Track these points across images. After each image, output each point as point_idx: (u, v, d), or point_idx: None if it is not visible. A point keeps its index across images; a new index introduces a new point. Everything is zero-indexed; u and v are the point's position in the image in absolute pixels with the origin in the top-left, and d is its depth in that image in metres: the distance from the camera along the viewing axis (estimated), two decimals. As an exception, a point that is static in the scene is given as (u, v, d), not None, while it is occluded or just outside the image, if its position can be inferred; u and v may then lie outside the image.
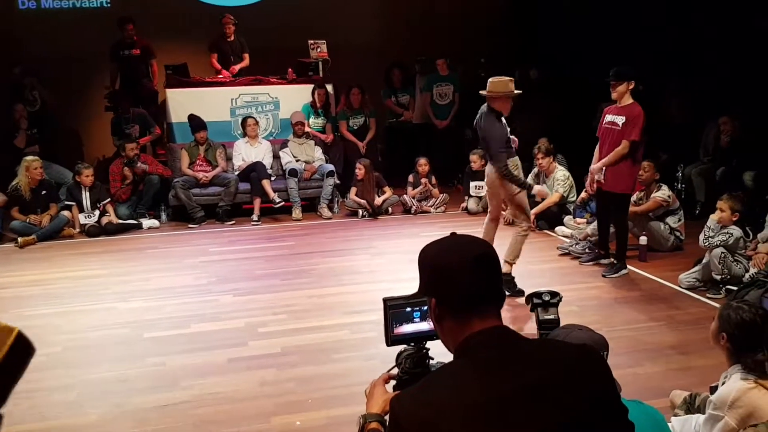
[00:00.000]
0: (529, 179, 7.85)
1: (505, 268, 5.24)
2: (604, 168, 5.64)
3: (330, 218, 8.27)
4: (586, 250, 6.28)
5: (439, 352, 2.12)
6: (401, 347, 2.10)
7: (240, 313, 5.13)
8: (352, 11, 10.80)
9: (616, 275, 5.78)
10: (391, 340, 2.01)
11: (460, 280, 1.38)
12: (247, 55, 9.33)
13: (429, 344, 2.06)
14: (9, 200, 7.51)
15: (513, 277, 5.31)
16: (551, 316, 2.30)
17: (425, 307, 2.01)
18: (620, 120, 5.52)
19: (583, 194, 7.13)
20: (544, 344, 1.55)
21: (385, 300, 2.01)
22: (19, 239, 7.16)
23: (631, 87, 5.51)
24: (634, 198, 6.46)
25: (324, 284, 5.78)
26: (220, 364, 4.27)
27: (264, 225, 8.05)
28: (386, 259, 6.49)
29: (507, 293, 4.98)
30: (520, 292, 5.11)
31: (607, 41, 9.08)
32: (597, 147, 5.82)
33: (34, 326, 4.93)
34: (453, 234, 1.50)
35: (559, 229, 7.25)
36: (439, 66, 9.65)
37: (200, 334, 4.76)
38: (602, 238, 6.06)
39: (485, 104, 5.33)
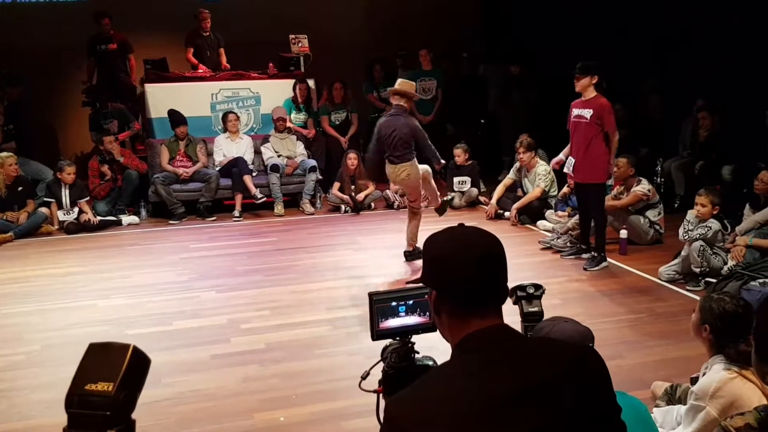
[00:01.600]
0: (511, 174, 7.92)
1: (410, 248, 5.95)
2: (572, 160, 5.83)
3: (312, 214, 8.25)
4: (568, 244, 6.33)
5: (424, 346, 2.13)
6: (386, 342, 2.10)
7: (222, 310, 5.09)
8: (334, 5, 10.76)
9: (596, 268, 5.83)
10: (377, 334, 2.01)
11: (462, 276, 1.35)
12: (222, 50, 9.24)
13: (414, 338, 2.06)
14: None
15: (415, 249, 5.89)
16: (535, 309, 2.31)
17: (410, 302, 2.01)
18: (587, 113, 5.67)
19: (564, 189, 7.18)
20: (544, 344, 1.54)
21: (370, 294, 2.00)
22: (-4, 236, 7.05)
23: (594, 81, 5.64)
24: (614, 192, 6.53)
25: (307, 280, 5.76)
26: (202, 361, 4.23)
27: (246, 221, 8.00)
28: (369, 254, 6.49)
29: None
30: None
31: (584, 37, 9.13)
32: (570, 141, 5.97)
33: (12, 324, 4.87)
34: (461, 225, 1.46)
35: (540, 223, 7.30)
36: (422, 57, 9.61)
37: (182, 331, 4.72)
38: (584, 232, 6.11)
39: (394, 108, 5.71)
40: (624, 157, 6.38)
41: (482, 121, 10.19)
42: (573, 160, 5.86)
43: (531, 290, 2.39)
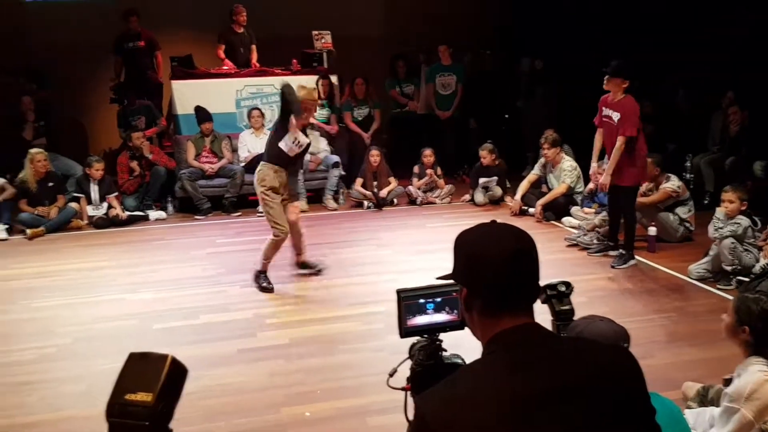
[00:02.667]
0: (536, 170, 7.85)
1: (259, 266, 5.47)
2: (605, 159, 5.72)
3: (335, 209, 8.26)
4: (595, 241, 6.26)
5: (450, 344, 2.12)
6: (414, 339, 2.09)
7: (248, 304, 5.13)
8: (356, 1, 10.74)
9: (624, 266, 5.76)
10: (405, 332, 2.00)
11: (494, 273, 1.34)
12: (254, 47, 9.27)
13: (442, 336, 2.05)
14: (17, 192, 7.52)
15: (263, 273, 5.47)
16: (567, 307, 2.28)
17: (439, 299, 2.00)
18: (615, 115, 5.60)
19: (590, 185, 7.09)
20: (576, 343, 1.52)
21: (398, 291, 1.99)
22: (28, 231, 7.18)
23: (625, 85, 5.55)
24: (643, 189, 6.44)
25: (331, 275, 5.77)
26: (229, 355, 4.27)
27: (270, 216, 8.02)
28: (392, 250, 6.48)
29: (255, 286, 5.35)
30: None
31: (611, 30, 9.02)
32: (596, 136, 5.88)
33: (43, 317, 4.96)
34: (493, 222, 1.45)
35: (566, 219, 7.23)
36: (442, 53, 9.56)
37: (209, 325, 4.77)
38: (612, 230, 6.04)
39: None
40: (649, 156, 6.28)
41: (506, 116, 10.12)
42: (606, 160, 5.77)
43: (562, 288, 2.36)
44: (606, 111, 5.70)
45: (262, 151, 8.29)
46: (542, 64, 9.65)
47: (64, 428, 3.49)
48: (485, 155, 8.24)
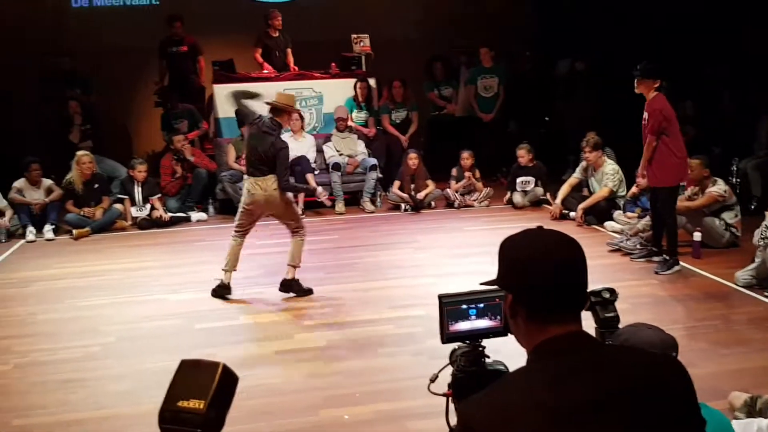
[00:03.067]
0: (577, 173, 7.74)
1: (289, 273, 5.37)
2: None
3: (373, 212, 8.28)
4: (638, 247, 6.14)
5: (493, 350, 2.10)
6: (455, 345, 2.08)
7: (286, 306, 5.19)
8: (395, 4, 10.75)
9: (668, 272, 5.64)
10: (446, 337, 1.99)
11: (540, 280, 1.33)
12: (290, 51, 9.37)
13: (484, 342, 2.04)
14: (64, 194, 7.74)
15: (297, 280, 5.39)
16: (611, 314, 2.24)
17: (481, 305, 1.98)
18: (646, 115, 5.56)
19: (633, 189, 6.97)
20: (625, 352, 1.49)
21: (440, 297, 1.98)
22: (74, 231, 7.37)
23: (656, 85, 5.51)
24: (688, 193, 6.30)
25: (368, 278, 5.79)
26: (267, 356, 4.32)
27: (307, 219, 8.05)
28: (430, 253, 6.46)
29: (292, 295, 5.28)
30: (308, 291, 5.37)
31: (652, 30, 8.84)
32: None
33: (89, 316, 5.09)
34: (539, 228, 1.43)
35: (608, 224, 7.11)
36: (483, 55, 9.52)
37: (248, 326, 4.84)
38: (656, 235, 5.92)
39: (267, 117, 5.22)
40: (697, 158, 6.15)
41: (546, 118, 10.00)
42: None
43: (606, 295, 2.32)
44: (644, 114, 5.64)
45: (301, 153, 8.47)
46: (584, 66, 9.52)
47: (108, 426, 3.58)
48: (523, 154, 8.17)
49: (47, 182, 7.84)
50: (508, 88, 9.51)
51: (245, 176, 5.42)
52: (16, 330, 4.88)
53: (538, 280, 1.33)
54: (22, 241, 7.30)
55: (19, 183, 7.70)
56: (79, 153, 7.83)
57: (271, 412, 3.60)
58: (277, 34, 9.24)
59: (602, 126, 8.06)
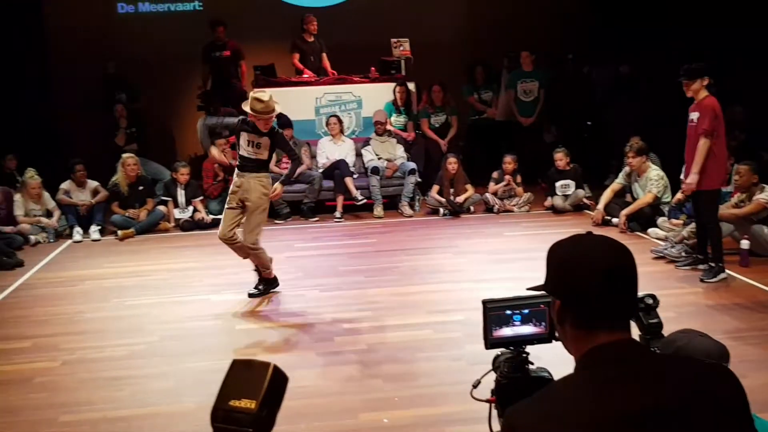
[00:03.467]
0: (620, 178, 7.61)
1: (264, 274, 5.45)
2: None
3: (411, 216, 8.28)
4: (683, 254, 6.00)
5: (534, 356, 2.08)
6: (498, 351, 2.06)
7: (326, 309, 5.21)
8: (435, 8, 10.75)
9: (714, 280, 5.50)
10: (490, 343, 1.97)
11: (589, 290, 1.30)
12: (325, 55, 9.43)
13: (528, 348, 2.02)
14: (109, 195, 7.94)
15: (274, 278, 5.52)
16: (655, 320, 2.20)
17: (526, 311, 1.97)
18: (695, 116, 5.45)
19: (679, 195, 6.81)
20: (676, 362, 1.45)
21: (484, 302, 1.97)
22: (119, 232, 7.56)
23: (705, 83, 5.41)
24: (734, 200, 6.14)
25: (407, 282, 5.78)
26: (308, 358, 4.35)
27: (346, 222, 8.15)
28: (468, 258, 6.43)
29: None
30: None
31: (699, 32, 8.63)
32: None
33: (133, 315, 5.20)
34: (589, 234, 1.41)
35: (652, 231, 6.97)
36: (523, 59, 9.45)
37: (288, 328, 4.88)
38: (700, 242, 5.78)
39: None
40: (745, 163, 6.00)
41: (588, 123, 9.86)
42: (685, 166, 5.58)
43: (649, 301, 2.29)
44: (690, 115, 5.54)
45: (340, 157, 8.54)
46: (628, 69, 9.36)
47: (152, 423, 3.64)
48: (560, 158, 8.09)
49: (93, 183, 8.07)
50: (550, 92, 9.41)
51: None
52: (65, 327, 5.02)
53: (587, 286, 1.31)
54: (70, 241, 7.51)
55: (66, 184, 7.94)
56: (125, 156, 8.03)
57: (310, 414, 3.63)
58: (312, 39, 9.31)
59: (647, 131, 7.91)
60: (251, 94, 5.32)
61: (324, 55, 9.43)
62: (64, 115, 9.80)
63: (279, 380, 1.17)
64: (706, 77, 5.40)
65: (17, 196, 7.65)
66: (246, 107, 5.24)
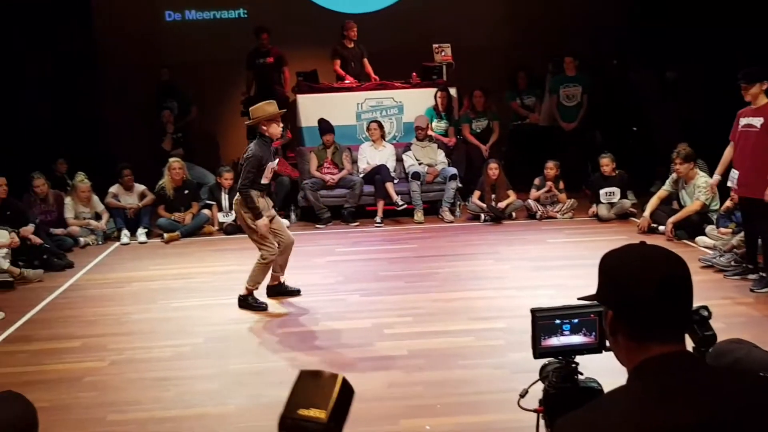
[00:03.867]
0: (667, 185, 7.44)
1: (244, 291, 5.37)
2: (736, 173, 5.40)
3: (452, 222, 8.25)
4: (732, 263, 5.83)
5: (582, 365, 2.05)
6: (545, 360, 2.04)
7: (366, 314, 5.22)
8: (477, 14, 10.71)
9: (765, 290, 5.33)
10: (539, 352, 1.96)
11: (643, 300, 1.29)
12: (366, 61, 9.47)
13: (578, 358, 1.99)
14: (156, 199, 8.13)
15: (247, 296, 5.38)
16: (710, 332, 2.15)
17: (576, 320, 1.95)
18: (758, 121, 5.28)
19: (728, 202, 6.63)
20: (728, 375, 1.43)
21: (533, 311, 1.96)
22: (165, 235, 7.72)
23: (764, 87, 5.27)
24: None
25: (448, 288, 5.75)
26: (348, 363, 4.36)
27: (387, 227, 8.16)
28: (511, 265, 6.36)
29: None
30: (262, 306, 5.35)
31: (749, 36, 8.38)
32: (727, 149, 5.64)
33: (178, 317, 5.30)
34: (642, 243, 1.40)
35: (699, 239, 6.79)
36: (567, 64, 9.35)
37: (329, 332, 4.90)
38: (750, 251, 5.62)
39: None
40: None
41: (634, 129, 9.68)
42: (737, 173, 5.42)
43: (704, 313, 2.24)
44: (745, 120, 5.39)
45: (381, 162, 8.56)
46: (675, 75, 9.16)
47: (198, 424, 3.70)
48: (607, 163, 7.94)
49: (140, 187, 8.26)
50: (595, 97, 9.28)
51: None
52: (112, 328, 5.15)
53: (641, 297, 1.29)
54: (117, 244, 7.70)
55: (115, 188, 8.16)
56: (171, 160, 8.20)
57: (351, 420, 3.59)
58: (352, 45, 9.37)
59: (693, 136, 7.72)
60: (260, 105, 5.44)
61: (365, 60, 9.48)
62: (112, 121, 10.07)
63: (347, 392, 1.18)
64: (765, 81, 5.27)
65: (67, 200, 7.88)
66: (268, 123, 5.30)
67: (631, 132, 9.69)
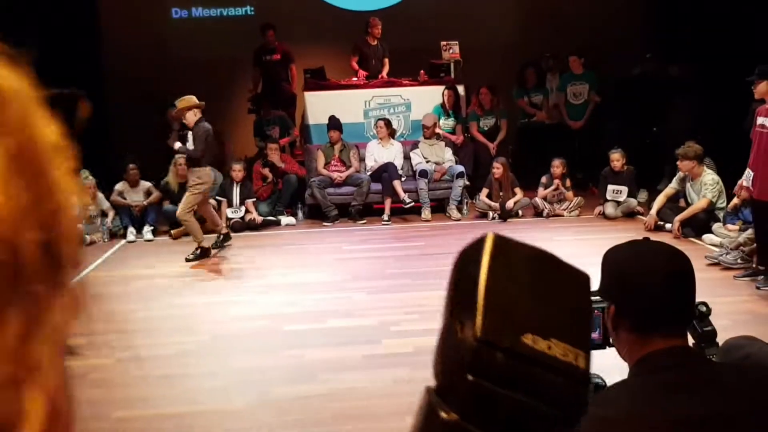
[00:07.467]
0: (674, 183, 7.40)
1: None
2: (751, 173, 5.30)
3: (459, 220, 8.23)
4: (738, 261, 5.79)
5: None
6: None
7: (373, 311, 5.21)
8: (485, 11, 10.67)
9: (772, 288, 5.29)
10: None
11: (645, 293, 1.29)
12: (387, 60, 9.44)
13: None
14: (162, 196, 8.13)
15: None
16: (710, 328, 2.15)
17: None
18: None
19: (735, 200, 6.58)
20: (730, 370, 1.42)
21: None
22: (172, 231, 7.73)
23: None
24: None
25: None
26: (355, 360, 4.35)
27: (394, 225, 8.15)
28: (518, 263, 6.33)
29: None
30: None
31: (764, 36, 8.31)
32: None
33: (183, 315, 5.31)
34: (646, 239, 1.40)
35: (707, 237, 6.75)
36: (572, 62, 9.30)
37: (336, 330, 4.89)
38: (762, 254, 5.55)
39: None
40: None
41: (654, 129, 9.52)
42: (752, 173, 5.35)
43: (703, 309, 2.24)
44: (761, 120, 5.29)
45: (388, 160, 8.55)
46: (678, 70, 9.09)
47: (203, 421, 3.70)
48: (618, 158, 7.89)
49: (146, 184, 8.27)
50: (605, 94, 9.22)
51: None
52: (118, 325, 5.14)
53: (643, 292, 1.30)
54: (123, 241, 7.72)
55: (120, 186, 8.16)
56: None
57: (357, 416, 3.63)
58: (375, 42, 9.31)
59: (703, 135, 7.66)
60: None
61: (386, 60, 9.40)
62: (117, 118, 10.08)
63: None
64: None
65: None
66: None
67: (650, 132, 9.56)
